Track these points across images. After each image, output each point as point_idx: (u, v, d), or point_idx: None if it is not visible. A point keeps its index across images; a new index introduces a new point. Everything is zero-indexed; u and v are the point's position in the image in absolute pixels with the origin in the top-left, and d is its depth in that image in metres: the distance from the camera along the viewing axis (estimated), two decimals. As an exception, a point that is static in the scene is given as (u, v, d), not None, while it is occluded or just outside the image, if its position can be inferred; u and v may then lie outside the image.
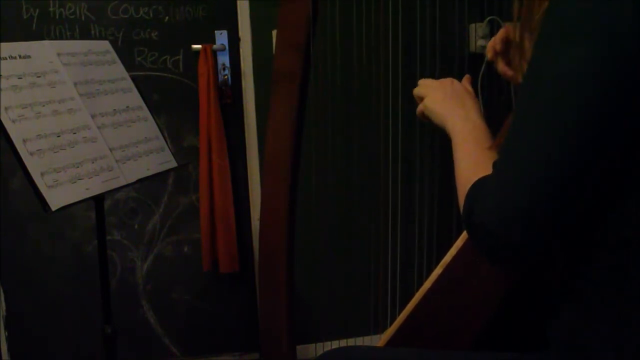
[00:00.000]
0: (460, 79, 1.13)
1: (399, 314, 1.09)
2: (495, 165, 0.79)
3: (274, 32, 2.14)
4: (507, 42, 1.09)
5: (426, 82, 1.11)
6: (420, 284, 1.07)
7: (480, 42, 2.19)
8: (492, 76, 1.95)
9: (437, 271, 1.03)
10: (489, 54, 1.10)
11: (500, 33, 1.10)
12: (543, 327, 0.87)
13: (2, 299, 2.15)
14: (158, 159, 1.52)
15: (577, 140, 0.69)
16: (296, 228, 1.51)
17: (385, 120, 2.00)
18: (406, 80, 1.78)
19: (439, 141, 2.11)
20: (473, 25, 2.20)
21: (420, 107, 1.09)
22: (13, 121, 1.22)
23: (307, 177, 1.88)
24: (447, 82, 1.08)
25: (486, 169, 0.83)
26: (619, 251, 0.75)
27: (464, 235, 1.03)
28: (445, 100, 1.04)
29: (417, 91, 1.11)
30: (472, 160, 0.91)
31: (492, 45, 1.10)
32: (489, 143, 0.94)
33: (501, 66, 1.10)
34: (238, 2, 2.16)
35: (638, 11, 0.66)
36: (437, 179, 2.11)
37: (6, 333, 2.17)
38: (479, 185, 0.81)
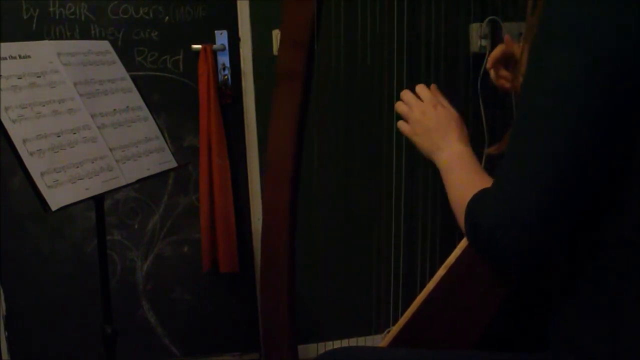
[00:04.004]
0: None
1: (401, 315, 1.08)
2: (497, 174, 0.79)
3: (274, 32, 2.14)
4: (506, 56, 1.13)
5: (410, 102, 1.10)
6: (423, 284, 1.07)
7: (481, 42, 2.19)
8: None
9: (441, 272, 1.03)
10: (488, 64, 1.14)
11: (498, 48, 1.14)
12: (543, 327, 0.87)
13: (2, 299, 2.15)
14: (158, 159, 1.52)
15: (576, 146, 0.70)
16: (297, 228, 1.50)
17: (388, 120, 1.99)
18: (408, 80, 1.78)
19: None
20: (473, 25, 2.20)
21: (402, 126, 1.11)
22: (13, 121, 1.21)
23: (309, 177, 1.87)
24: (430, 112, 1.07)
25: (480, 186, 0.84)
26: (619, 251, 0.75)
27: (467, 235, 1.02)
28: (428, 134, 1.06)
29: (400, 109, 1.11)
30: (464, 182, 0.94)
31: (493, 56, 1.14)
32: (476, 167, 0.97)
33: (498, 78, 1.14)
34: (238, 2, 2.16)
35: (638, 17, 0.66)
36: (440, 179, 2.11)
37: (6, 333, 2.17)
38: (480, 199, 0.82)
